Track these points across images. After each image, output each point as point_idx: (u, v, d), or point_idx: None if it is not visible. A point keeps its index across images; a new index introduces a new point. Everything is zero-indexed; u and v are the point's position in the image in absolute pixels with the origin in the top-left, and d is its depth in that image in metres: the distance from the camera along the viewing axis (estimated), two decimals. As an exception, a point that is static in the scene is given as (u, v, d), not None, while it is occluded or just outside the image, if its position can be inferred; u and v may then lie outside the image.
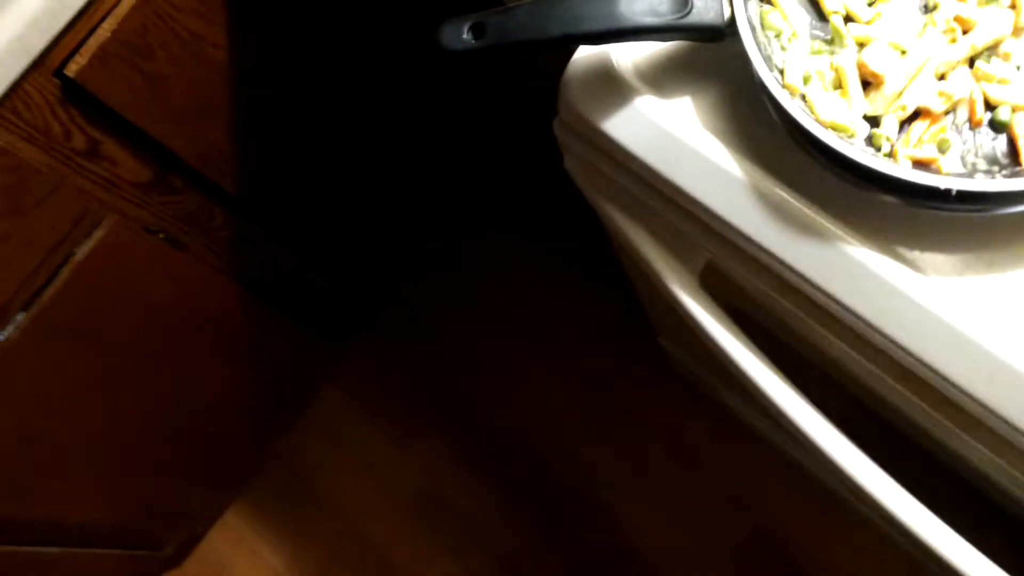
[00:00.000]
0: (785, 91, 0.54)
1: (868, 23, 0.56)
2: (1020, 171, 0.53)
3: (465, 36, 0.57)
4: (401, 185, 1.27)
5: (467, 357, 1.43)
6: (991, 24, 0.54)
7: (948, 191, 0.51)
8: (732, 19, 0.55)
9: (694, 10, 0.56)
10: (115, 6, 0.78)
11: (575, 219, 0.78)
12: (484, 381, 1.41)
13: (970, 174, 0.54)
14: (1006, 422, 0.53)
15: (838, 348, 0.61)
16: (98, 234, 0.89)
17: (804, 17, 0.58)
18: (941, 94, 0.54)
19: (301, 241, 1.14)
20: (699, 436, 1.32)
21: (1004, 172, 0.53)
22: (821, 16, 0.58)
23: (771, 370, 0.61)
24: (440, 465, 1.40)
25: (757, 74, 0.54)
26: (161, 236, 0.94)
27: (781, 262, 0.57)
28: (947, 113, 0.55)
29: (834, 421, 0.63)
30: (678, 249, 0.65)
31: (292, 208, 1.09)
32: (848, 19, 0.57)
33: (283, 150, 1.03)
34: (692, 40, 0.58)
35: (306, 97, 1.01)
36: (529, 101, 0.73)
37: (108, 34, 0.79)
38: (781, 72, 0.56)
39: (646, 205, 0.64)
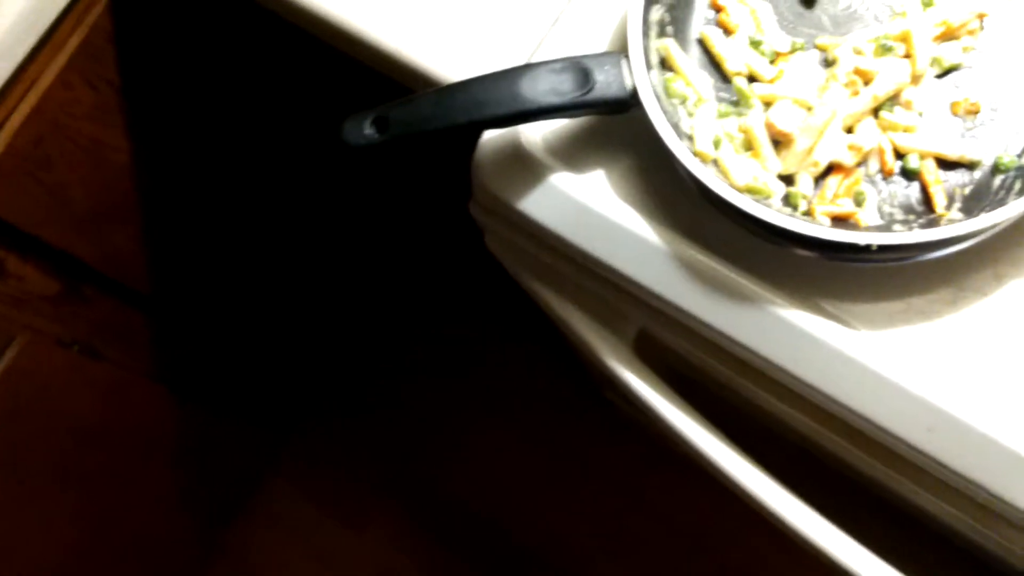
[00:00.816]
0: (696, 159, 0.53)
1: (771, 81, 0.56)
2: (935, 218, 0.53)
3: (368, 131, 0.55)
4: (328, 273, 1.25)
5: (415, 433, 1.40)
6: (890, 74, 0.54)
7: (868, 246, 0.50)
8: (635, 91, 0.54)
9: (596, 86, 0.55)
10: (6, 119, 0.75)
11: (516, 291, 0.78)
12: (433, 455, 1.38)
13: (888, 225, 0.54)
14: (949, 469, 0.52)
15: (778, 407, 0.60)
16: (10, 354, 0.85)
17: (708, 80, 0.57)
18: (851, 147, 0.54)
19: (227, 337, 1.11)
20: (658, 486, 1.31)
21: (920, 220, 0.53)
22: (725, 78, 0.57)
23: (709, 432, 0.60)
24: (396, 545, 1.36)
25: (666, 144, 0.53)
26: (76, 348, 0.90)
27: (710, 327, 0.56)
28: (859, 165, 0.55)
29: (779, 473, 0.62)
30: (608, 319, 0.64)
31: (215, 304, 1.06)
32: (752, 79, 0.57)
33: (198, 247, 1.00)
34: (598, 114, 0.57)
35: (216, 192, 0.99)
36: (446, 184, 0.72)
37: (2, 148, 0.76)
38: (691, 139, 0.55)
39: (571, 279, 0.63)
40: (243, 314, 1.12)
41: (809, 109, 0.55)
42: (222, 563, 1.38)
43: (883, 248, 0.51)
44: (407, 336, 1.42)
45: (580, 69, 0.55)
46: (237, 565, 1.39)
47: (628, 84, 0.55)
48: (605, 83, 0.55)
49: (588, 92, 0.55)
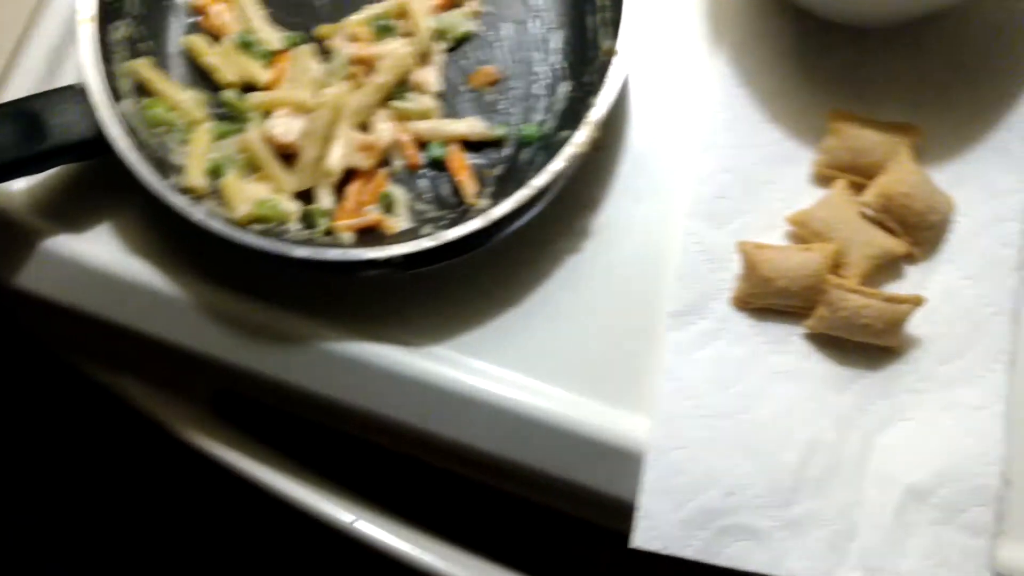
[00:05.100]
0: (185, 196, 0.45)
1: (269, 87, 0.49)
2: (466, 209, 0.48)
3: None
4: None
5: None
6: (393, 58, 0.48)
7: (390, 260, 0.44)
8: (101, 129, 0.46)
9: (53, 132, 0.45)
10: None
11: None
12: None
13: (419, 226, 0.48)
14: (543, 473, 0.48)
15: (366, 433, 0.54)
16: None
17: (198, 98, 0.49)
18: (364, 147, 0.48)
19: None
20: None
21: (453, 214, 0.48)
22: (219, 90, 0.50)
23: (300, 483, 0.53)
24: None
25: (148, 185, 0.45)
26: None
27: (264, 376, 0.49)
28: (382, 165, 0.49)
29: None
30: (176, 384, 0.55)
31: None
32: (251, 88, 0.50)
33: None
34: (73, 161, 0.48)
35: None
36: None
37: None
38: (182, 172, 0.47)
39: (118, 350, 0.54)
40: None
41: (311, 112, 0.48)
42: None
43: (411, 259, 0.45)
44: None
45: (25, 115, 0.45)
46: None
47: (93, 123, 0.46)
48: (63, 126, 0.46)
49: (42, 141, 0.45)
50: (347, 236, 0.46)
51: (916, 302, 0.44)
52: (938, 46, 0.50)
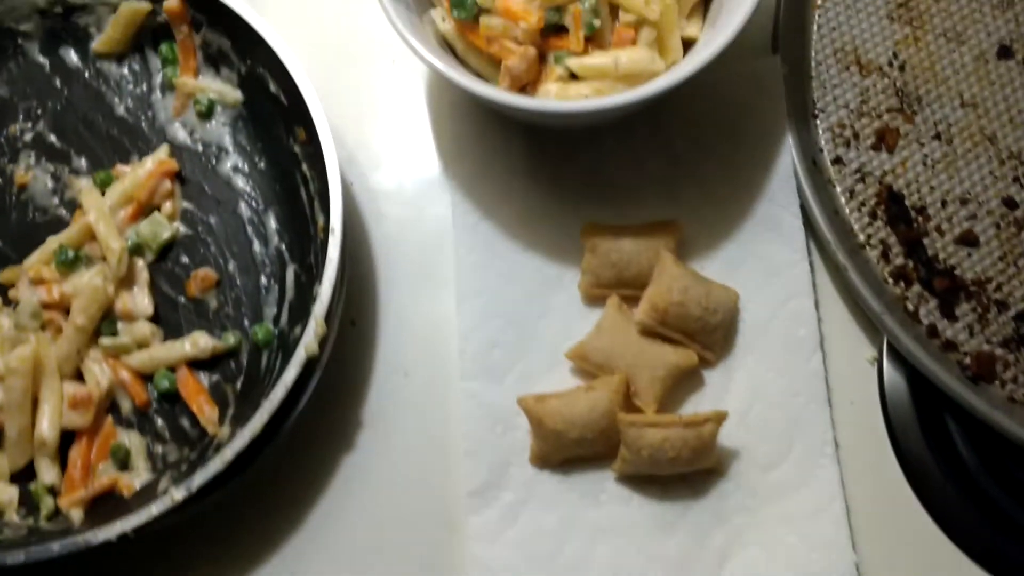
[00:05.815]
0: None
1: None
2: (210, 441, 0.42)
3: None
4: None
5: None
6: (86, 293, 0.42)
7: (124, 538, 0.38)
8: None
9: None
10: None
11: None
12: None
13: (162, 472, 0.41)
14: None
15: None
16: None
17: None
18: (78, 402, 0.41)
19: None
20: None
21: (194, 453, 0.41)
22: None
23: None
24: None
25: None
26: None
27: None
28: (110, 411, 0.42)
29: None
30: None
31: None
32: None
33: None
34: None
35: None
36: None
37: None
38: None
39: None
40: None
41: (4, 380, 0.41)
42: None
43: (142, 532, 0.38)
44: None
45: None
46: None
47: None
48: None
49: None
50: (76, 514, 0.39)
51: (718, 419, 0.40)
52: (681, 128, 0.46)
